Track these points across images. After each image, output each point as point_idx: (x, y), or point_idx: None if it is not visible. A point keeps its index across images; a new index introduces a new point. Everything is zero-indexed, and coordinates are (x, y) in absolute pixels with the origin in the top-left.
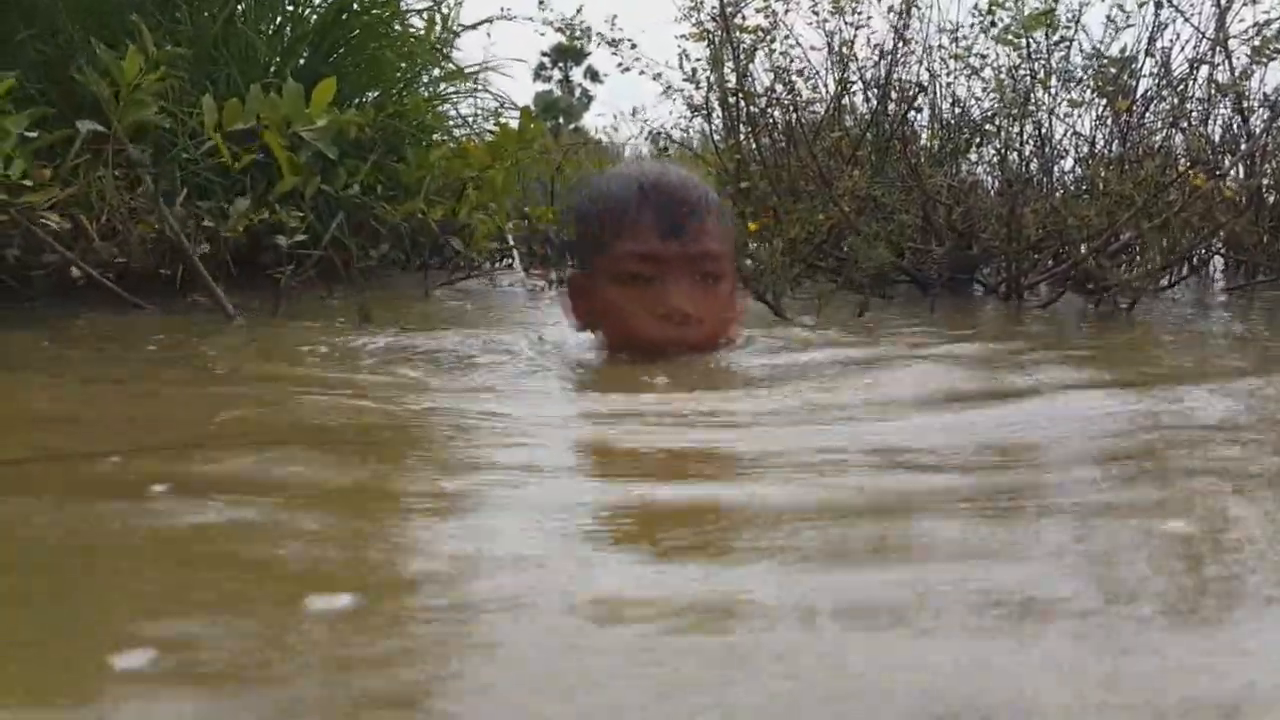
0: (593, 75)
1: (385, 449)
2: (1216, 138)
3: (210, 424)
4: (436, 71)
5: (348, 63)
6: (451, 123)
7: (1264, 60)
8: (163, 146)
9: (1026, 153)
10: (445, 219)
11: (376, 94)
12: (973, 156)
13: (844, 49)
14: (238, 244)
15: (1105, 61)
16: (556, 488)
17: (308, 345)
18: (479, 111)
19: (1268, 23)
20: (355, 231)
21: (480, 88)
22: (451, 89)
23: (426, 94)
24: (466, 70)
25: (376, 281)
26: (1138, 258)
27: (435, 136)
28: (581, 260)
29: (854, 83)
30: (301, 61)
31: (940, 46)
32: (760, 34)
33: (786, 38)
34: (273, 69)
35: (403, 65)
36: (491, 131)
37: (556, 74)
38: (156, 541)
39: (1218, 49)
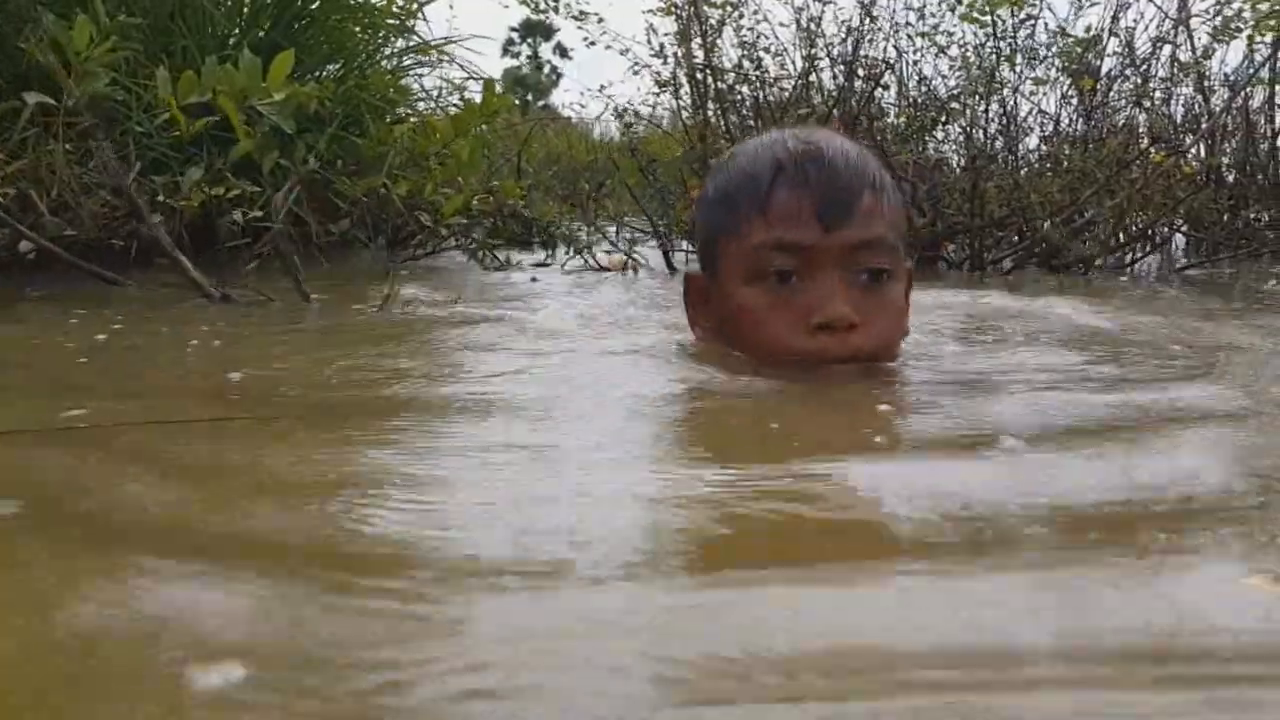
0: (562, 51)
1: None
2: (1179, 116)
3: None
4: (400, 45)
5: (309, 35)
6: (416, 97)
7: (1224, 40)
8: (116, 120)
9: (992, 130)
10: (410, 195)
11: (338, 67)
12: (939, 134)
13: (812, 25)
14: (194, 221)
15: (1070, 40)
16: None
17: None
18: (444, 85)
19: (1228, 2)
20: (317, 207)
21: (445, 60)
22: (415, 62)
23: (390, 67)
24: (431, 44)
25: (338, 257)
26: (1098, 233)
27: (400, 111)
28: (705, 255)
29: (821, 59)
30: (261, 34)
31: (907, 24)
32: (728, 9)
33: (755, 13)
34: (232, 41)
35: (365, 38)
36: (457, 106)
37: (525, 50)
38: None
39: (1180, 29)
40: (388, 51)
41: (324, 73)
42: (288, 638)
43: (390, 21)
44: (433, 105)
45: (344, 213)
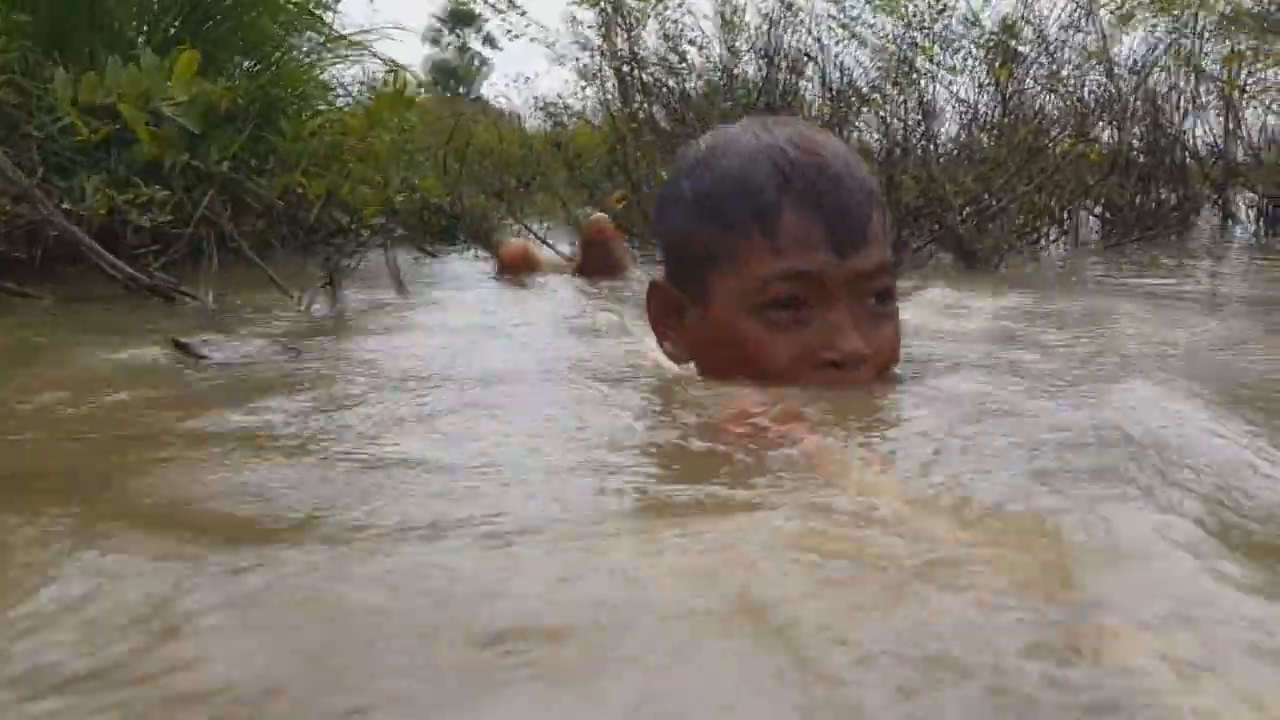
0: (489, 41)
1: None
2: (1090, 102)
3: None
4: (316, 38)
5: (221, 30)
6: (335, 92)
7: (1126, 26)
8: (15, 122)
9: (911, 121)
10: (325, 193)
11: (251, 63)
12: (860, 124)
13: (734, 17)
14: (103, 228)
15: (987, 31)
16: None
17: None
18: (365, 80)
19: None
20: (232, 209)
21: (364, 54)
22: (332, 56)
23: (307, 61)
24: (348, 36)
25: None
26: (1010, 219)
27: (320, 106)
28: (681, 272)
29: (744, 51)
30: (171, 31)
31: (828, 15)
32: (650, 0)
33: (679, 4)
34: (142, 39)
35: (279, 32)
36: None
37: (451, 40)
38: None
39: (1088, 16)
40: (303, 46)
41: (236, 69)
42: None
43: (305, 15)
44: (352, 100)
45: (258, 213)
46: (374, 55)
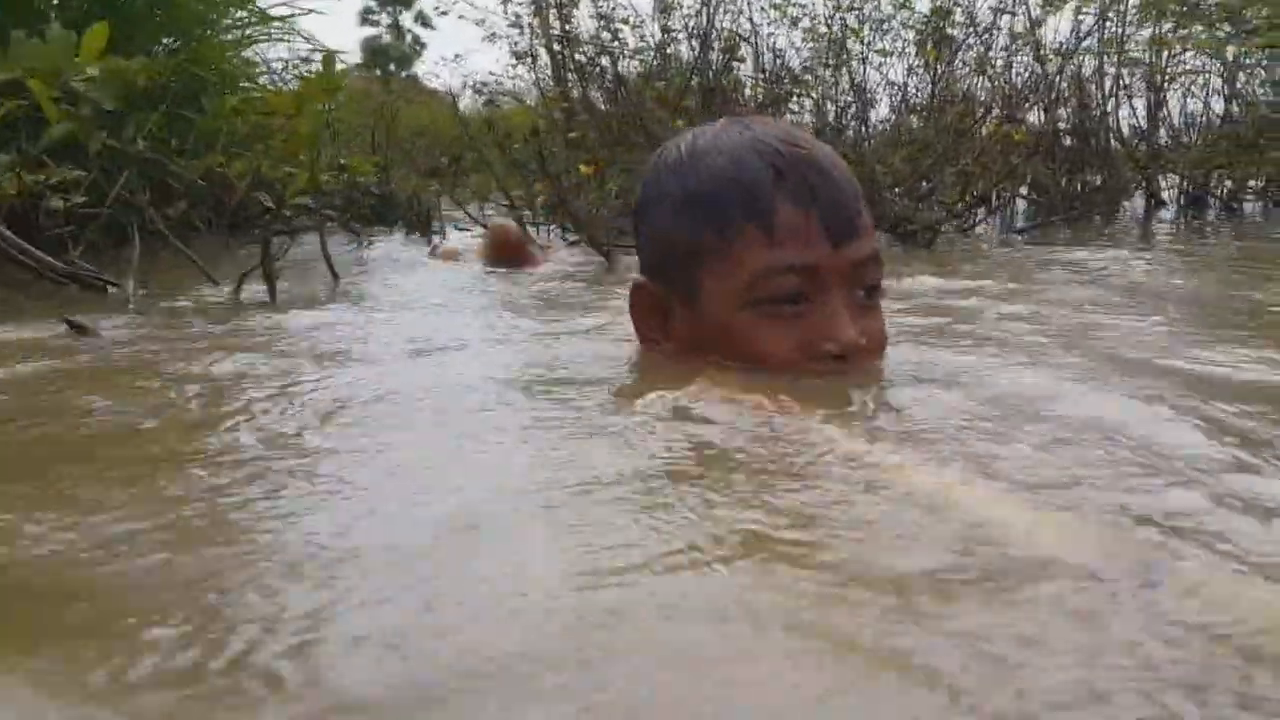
0: (424, 21)
1: None
2: (1019, 84)
3: None
4: (241, 15)
5: (139, 6)
6: (261, 71)
7: (1054, 9)
8: None
9: (843, 102)
10: (248, 174)
11: (171, 40)
12: (794, 106)
13: None
14: (13, 211)
15: (918, 14)
16: None
17: None
18: (292, 59)
19: None
20: (153, 191)
21: (291, 33)
22: (257, 33)
23: (231, 39)
24: (273, 13)
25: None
26: (942, 199)
27: (244, 85)
28: (667, 271)
29: (678, 31)
30: (85, 6)
31: None
32: None
33: None
34: (53, 15)
35: (201, 8)
36: (306, 78)
37: (385, 18)
38: None
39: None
40: (226, 23)
41: (157, 47)
42: None
43: None
44: (279, 79)
45: (180, 194)
46: (299, 35)
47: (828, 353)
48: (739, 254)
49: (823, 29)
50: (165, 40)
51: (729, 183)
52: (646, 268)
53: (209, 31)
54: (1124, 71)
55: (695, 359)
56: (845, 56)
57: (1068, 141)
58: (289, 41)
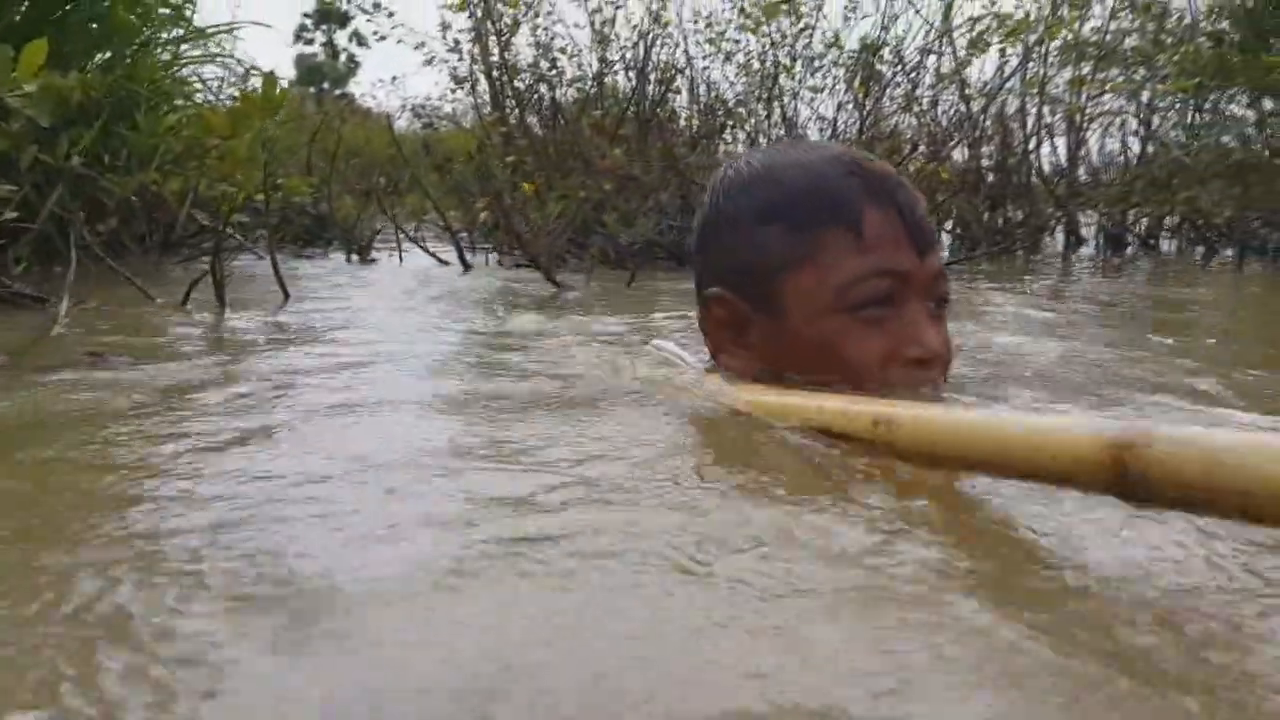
0: (359, 40)
1: None
2: (944, 122)
3: None
4: (176, 32)
5: (73, 21)
6: (195, 88)
7: (978, 52)
8: None
9: (775, 135)
10: (184, 191)
11: (106, 56)
12: (728, 138)
13: (605, 28)
14: None
15: (850, 50)
16: None
17: None
18: (226, 76)
19: (981, 18)
20: (86, 207)
21: (226, 52)
22: (200, 53)
23: (166, 56)
24: (209, 31)
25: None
26: None
27: (178, 103)
28: (748, 281)
29: (615, 62)
30: (17, 19)
31: (696, 30)
32: (523, 8)
33: (550, 13)
34: None
35: (136, 25)
36: (237, 98)
37: (320, 37)
38: None
39: (943, 39)
40: (163, 38)
41: (91, 62)
42: None
43: (163, 7)
44: (213, 97)
45: (112, 211)
46: (232, 58)
47: (912, 358)
48: (828, 261)
49: (756, 65)
50: (99, 55)
51: (814, 190)
52: (719, 282)
53: (144, 47)
54: (1045, 111)
55: (771, 371)
56: (778, 91)
57: (991, 178)
58: (222, 60)
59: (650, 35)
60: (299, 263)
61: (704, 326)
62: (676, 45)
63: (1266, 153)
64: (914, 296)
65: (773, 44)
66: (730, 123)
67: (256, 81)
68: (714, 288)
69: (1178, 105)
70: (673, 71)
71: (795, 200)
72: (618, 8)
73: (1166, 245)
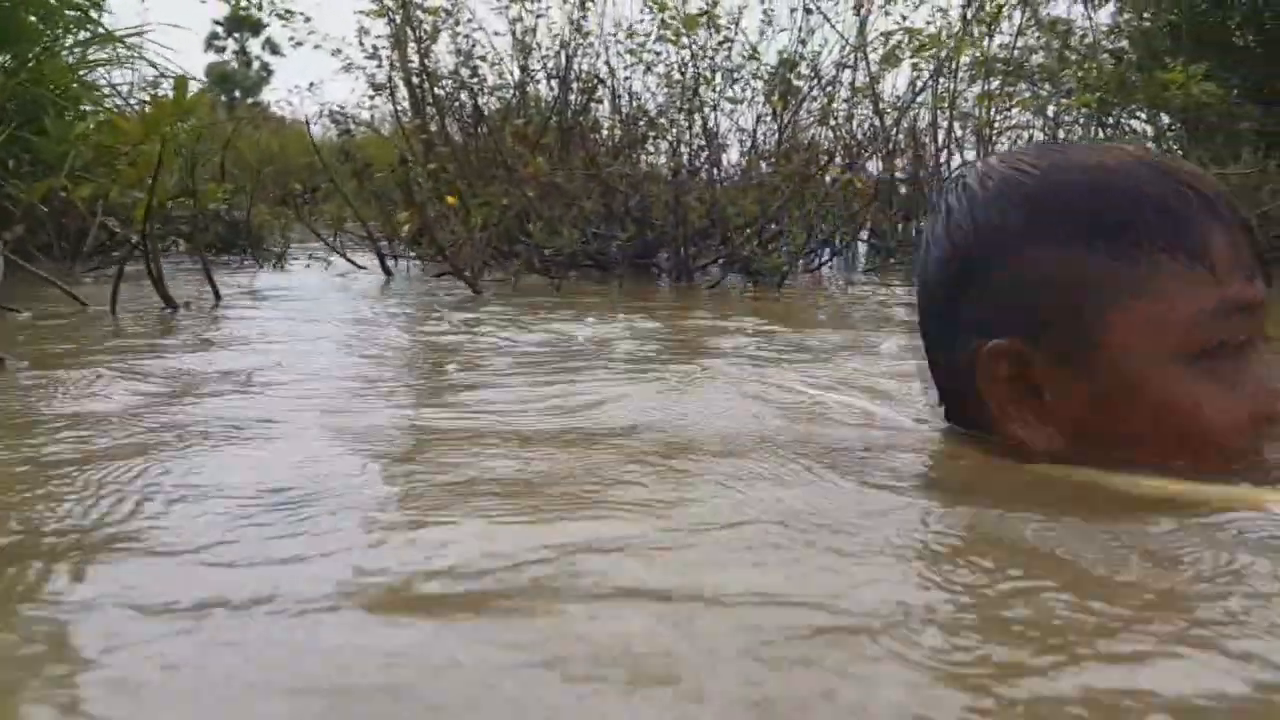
0: (272, 48)
1: None
2: (859, 135)
3: None
4: (83, 36)
5: None
6: (104, 93)
7: (890, 67)
8: None
9: (696, 146)
10: (94, 198)
11: (9, 59)
12: (650, 148)
13: (526, 37)
14: None
15: (768, 64)
16: None
17: None
18: (135, 82)
19: (893, 33)
20: None
21: (135, 55)
22: (101, 55)
23: (72, 60)
24: (119, 35)
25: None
26: (790, 242)
27: (85, 108)
28: (1043, 322)
29: (537, 71)
30: None
31: (617, 41)
32: (442, 15)
33: (469, 21)
34: None
35: (41, 28)
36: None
37: (232, 45)
38: None
39: (858, 54)
40: (69, 43)
41: None
42: None
43: (70, 10)
44: (123, 102)
45: (18, 218)
46: (143, 59)
47: (1267, 416)
48: (1165, 291)
49: (676, 76)
50: (1, 58)
51: (1139, 201)
52: (999, 328)
53: (50, 49)
54: (956, 125)
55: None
56: (698, 102)
57: (903, 190)
58: (133, 65)
59: (572, 45)
60: (215, 270)
61: (982, 390)
62: (598, 55)
63: None
64: (1258, 335)
65: (693, 56)
66: (653, 133)
67: (168, 87)
68: (997, 339)
69: (1082, 120)
70: (595, 81)
71: (1122, 214)
72: (539, 17)
73: None
